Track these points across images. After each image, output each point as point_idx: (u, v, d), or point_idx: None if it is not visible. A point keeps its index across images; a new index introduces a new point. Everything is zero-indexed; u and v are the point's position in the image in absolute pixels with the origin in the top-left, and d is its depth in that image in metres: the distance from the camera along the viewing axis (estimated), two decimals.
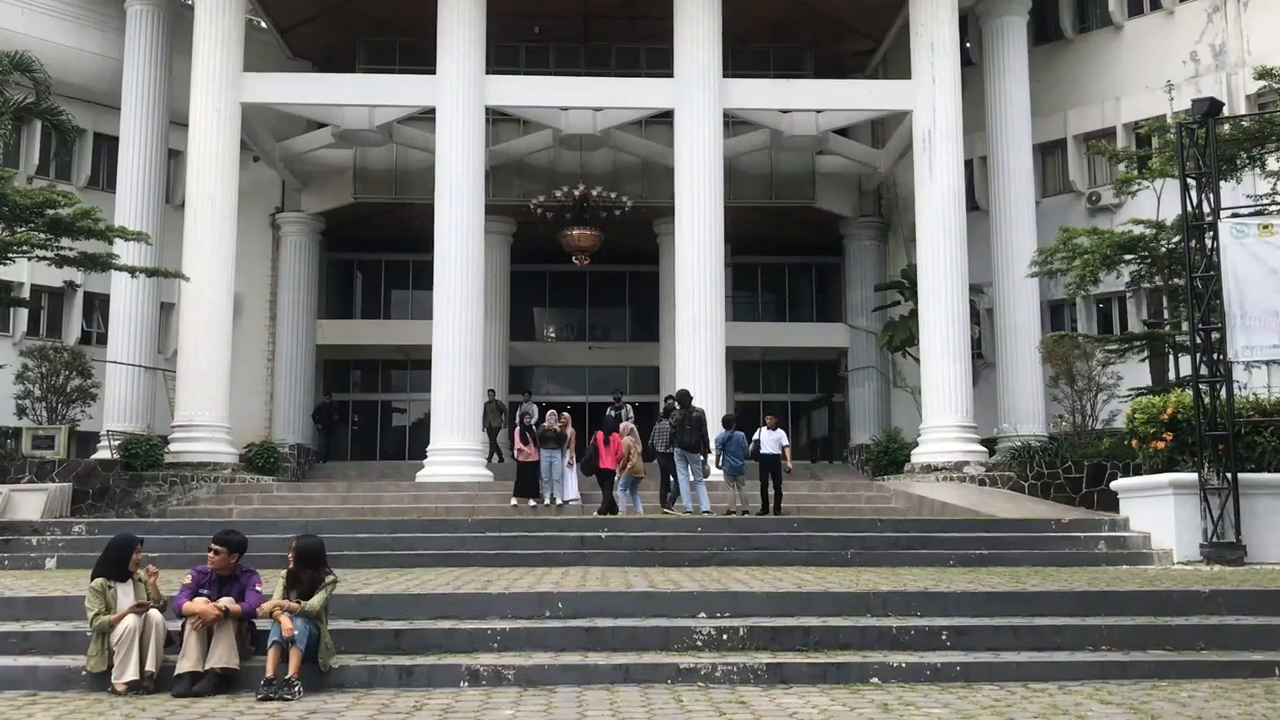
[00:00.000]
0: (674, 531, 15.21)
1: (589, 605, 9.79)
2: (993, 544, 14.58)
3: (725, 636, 8.99)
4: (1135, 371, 22.28)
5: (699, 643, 8.95)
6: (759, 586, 10.58)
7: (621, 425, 19.56)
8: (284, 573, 8.52)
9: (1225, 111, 19.60)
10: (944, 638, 9.04)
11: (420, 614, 9.60)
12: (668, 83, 24.42)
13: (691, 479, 17.97)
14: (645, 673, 8.32)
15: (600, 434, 18.99)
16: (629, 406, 20.81)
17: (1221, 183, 16.13)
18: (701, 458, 18.10)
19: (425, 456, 22.98)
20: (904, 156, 26.71)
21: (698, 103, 23.73)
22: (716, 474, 19.26)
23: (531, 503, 19.52)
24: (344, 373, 32.53)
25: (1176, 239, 18.91)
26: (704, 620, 9.33)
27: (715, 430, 18.79)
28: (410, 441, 27.00)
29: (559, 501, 19.47)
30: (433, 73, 23.96)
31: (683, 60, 24.00)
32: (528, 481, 19.81)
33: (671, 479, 18.25)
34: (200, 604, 8.19)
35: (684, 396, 18.67)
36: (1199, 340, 15.05)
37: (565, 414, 20.58)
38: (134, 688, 7.95)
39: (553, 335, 34.79)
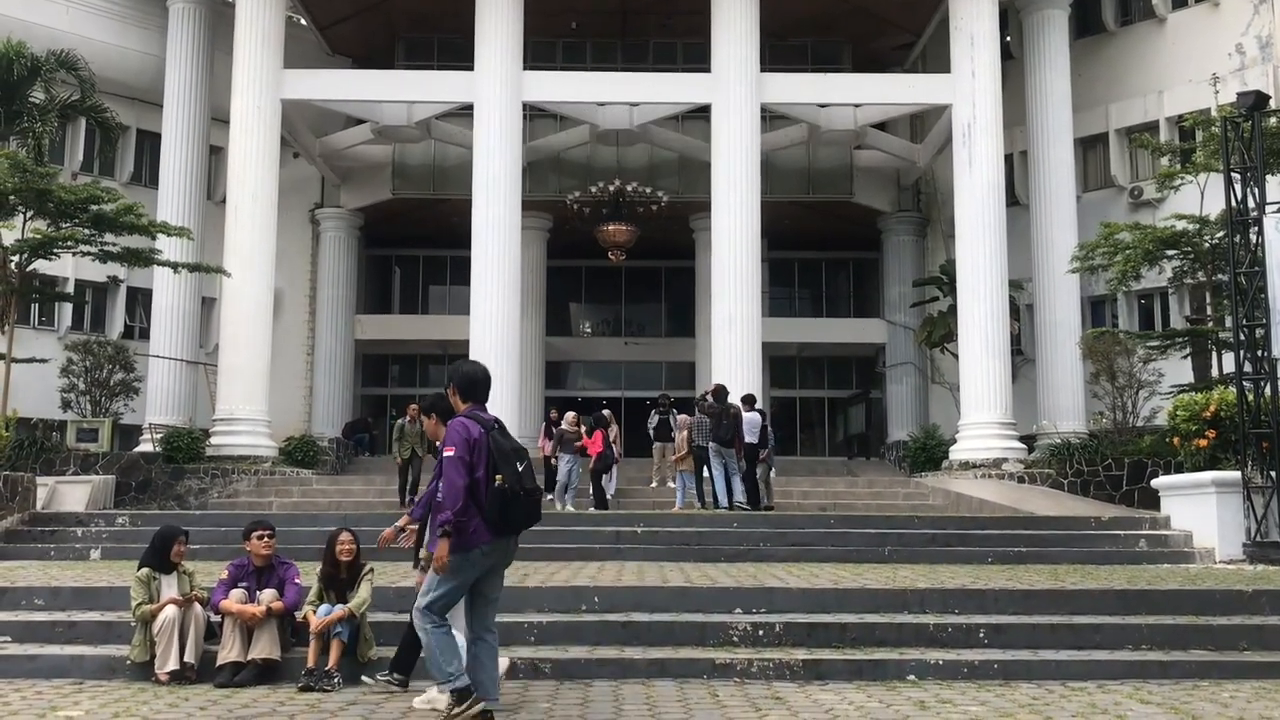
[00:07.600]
0: (710, 527, 15.21)
1: (625, 600, 9.81)
2: (1031, 541, 14.51)
3: (761, 632, 8.98)
4: (1177, 368, 22.02)
5: (735, 638, 8.95)
6: (795, 583, 10.56)
7: (678, 419, 19.61)
8: (319, 571, 8.54)
9: (1271, 104, 19.33)
10: (982, 635, 8.98)
11: None
12: (705, 78, 24.36)
13: (728, 474, 17.94)
14: (681, 667, 8.33)
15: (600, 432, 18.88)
16: (674, 410, 20.89)
17: (1267, 177, 15.92)
18: (737, 453, 18.05)
19: None
20: (943, 151, 26.52)
21: (735, 98, 23.67)
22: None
23: (558, 505, 18.34)
24: (382, 367, 32.78)
25: (1220, 234, 18.66)
26: (740, 616, 9.32)
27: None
28: None
29: (572, 510, 18.18)
30: (471, 69, 24.05)
31: (720, 55, 23.94)
32: (549, 479, 19.45)
33: (706, 472, 18.25)
34: (238, 602, 8.24)
35: (720, 392, 18.60)
36: (1243, 337, 14.87)
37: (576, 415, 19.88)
38: (176, 677, 8.05)
39: (589, 330, 34.85)
